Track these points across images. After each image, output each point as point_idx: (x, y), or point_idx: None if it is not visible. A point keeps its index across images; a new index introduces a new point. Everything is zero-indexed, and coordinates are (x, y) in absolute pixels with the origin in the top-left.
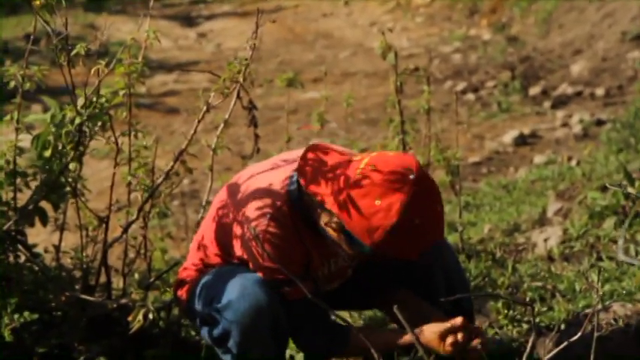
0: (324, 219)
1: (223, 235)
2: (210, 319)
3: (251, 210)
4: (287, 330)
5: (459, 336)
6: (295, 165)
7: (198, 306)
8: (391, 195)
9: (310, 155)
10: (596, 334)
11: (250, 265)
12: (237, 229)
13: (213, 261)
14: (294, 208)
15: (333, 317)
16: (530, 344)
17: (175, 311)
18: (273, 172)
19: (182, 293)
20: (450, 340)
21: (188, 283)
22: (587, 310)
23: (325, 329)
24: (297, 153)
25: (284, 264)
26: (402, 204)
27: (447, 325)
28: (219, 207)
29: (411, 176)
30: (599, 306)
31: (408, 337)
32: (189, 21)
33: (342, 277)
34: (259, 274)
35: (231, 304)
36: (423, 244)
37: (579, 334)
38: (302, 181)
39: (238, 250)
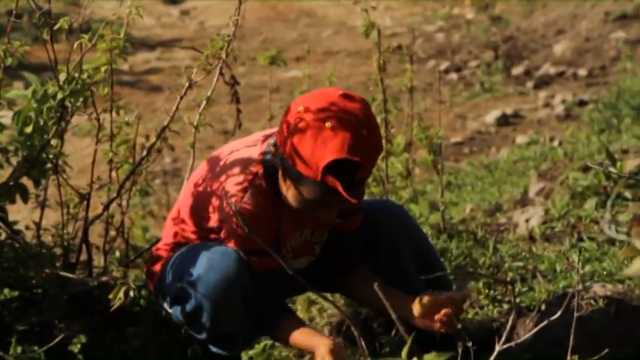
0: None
1: (200, 208)
2: (181, 296)
3: (228, 181)
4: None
5: (444, 311)
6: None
7: (168, 283)
8: (312, 101)
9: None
10: (576, 315)
11: (222, 234)
12: (214, 201)
13: (190, 236)
14: (269, 177)
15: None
16: (510, 324)
17: None
18: (253, 146)
19: (156, 268)
20: (437, 316)
21: (161, 260)
22: (568, 291)
23: (271, 307)
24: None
25: (256, 232)
26: (319, 106)
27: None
28: (197, 181)
29: (340, 92)
30: (580, 286)
31: (313, 341)
32: None
33: (309, 253)
34: (230, 244)
35: (200, 278)
36: (330, 154)
37: (559, 313)
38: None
39: (214, 221)
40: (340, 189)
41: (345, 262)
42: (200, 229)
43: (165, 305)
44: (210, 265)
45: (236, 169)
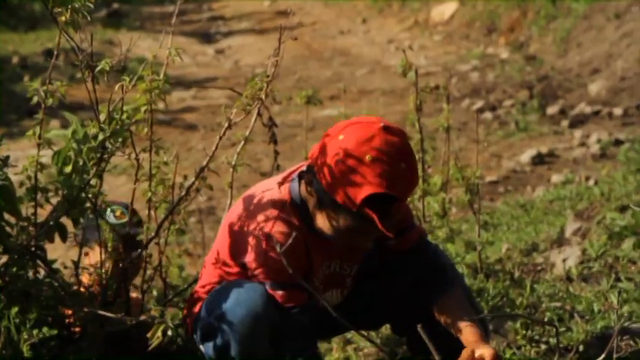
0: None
1: (238, 248)
2: (210, 332)
3: (263, 221)
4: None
5: None
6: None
7: (201, 320)
8: (353, 131)
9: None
10: (615, 356)
11: (252, 267)
12: (250, 240)
13: (232, 277)
14: (297, 209)
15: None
16: None
17: None
18: (282, 184)
19: (195, 309)
20: None
21: (201, 302)
22: (606, 331)
23: (300, 343)
24: (282, 174)
25: (287, 264)
26: (360, 136)
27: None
28: (233, 221)
29: (381, 124)
30: (618, 327)
31: None
32: (207, 37)
33: (339, 285)
34: (260, 277)
35: (227, 313)
36: (368, 188)
37: (602, 356)
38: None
39: (251, 260)
40: (377, 222)
41: (385, 297)
42: (242, 269)
43: (200, 346)
44: (236, 301)
45: (269, 209)
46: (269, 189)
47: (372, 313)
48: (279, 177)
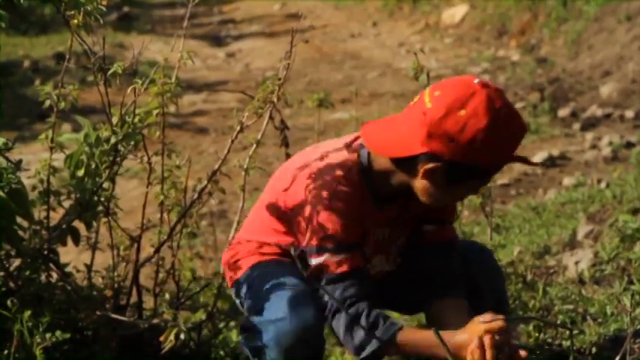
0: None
1: (284, 208)
2: (249, 329)
3: (326, 176)
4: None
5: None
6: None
7: (242, 304)
8: (470, 100)
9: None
10: (628, 358)
11: (306, 236)
12: (302, 196)
13: (272, 240)
14: (363, 174)
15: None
16: None
17: (206, 331)
18: (342, 150)
19: (232, 275)
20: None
21: (241, 269)
22: (619, 334)
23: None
24: (346, 139)
25: (345, 225)
26: (485, 102)
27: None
28: (288, 176)
29: (475, 80)
30: (631, 330)
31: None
32: (218, 41)
33: (385, 251)
34: (312, 242)
35: (275, 322)
36: (518, 135)
37: (617, 358)
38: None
39: (302, 220)
40: (527, 160)
41: (436, 281)
42: (287, 230)
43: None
44: (288, 313)
45: (336, 169)
46: (335, 149)
47: (407, 294)
48: (342, 140)
